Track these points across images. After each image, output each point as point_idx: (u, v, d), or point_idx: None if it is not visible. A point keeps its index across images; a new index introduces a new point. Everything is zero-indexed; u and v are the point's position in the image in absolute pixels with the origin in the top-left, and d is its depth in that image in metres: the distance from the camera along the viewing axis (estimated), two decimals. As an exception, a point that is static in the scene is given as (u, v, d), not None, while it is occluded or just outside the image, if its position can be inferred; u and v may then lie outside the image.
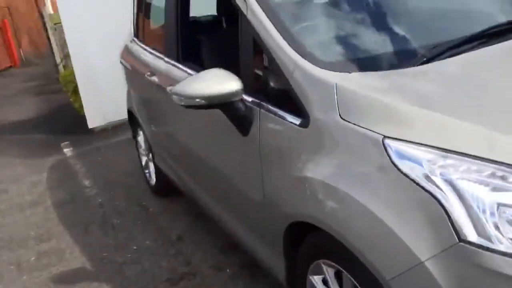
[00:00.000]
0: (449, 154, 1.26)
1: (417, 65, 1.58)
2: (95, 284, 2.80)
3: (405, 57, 1.66)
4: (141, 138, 3.86)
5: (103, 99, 5.68)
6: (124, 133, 5.54)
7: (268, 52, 1.79)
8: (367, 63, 1.69)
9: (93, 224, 3.54)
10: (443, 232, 1.22)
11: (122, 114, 6.03)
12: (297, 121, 1.66)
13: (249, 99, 1.90)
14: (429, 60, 1.59)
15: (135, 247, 3.13)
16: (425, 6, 2.12)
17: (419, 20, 2.00)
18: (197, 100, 1.83)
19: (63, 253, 3.21)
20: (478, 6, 2.07)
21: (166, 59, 2.79)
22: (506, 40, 1.68)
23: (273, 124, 1.78)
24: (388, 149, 1.34)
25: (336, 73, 1.59)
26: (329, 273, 1.67)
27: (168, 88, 1.92)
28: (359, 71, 1.62)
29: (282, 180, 1.74)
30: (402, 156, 1.32)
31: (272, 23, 1.81)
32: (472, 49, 1.64)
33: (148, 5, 3.49)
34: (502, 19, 1.83)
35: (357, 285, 1.51)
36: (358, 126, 1.44)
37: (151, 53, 3.13)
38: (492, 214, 1.18)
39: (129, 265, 2.95)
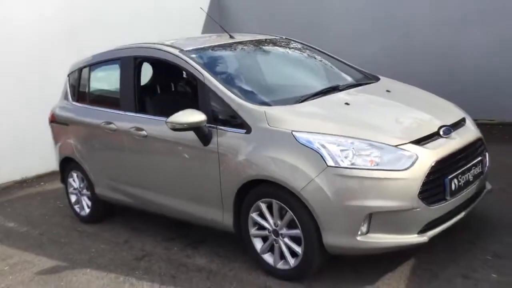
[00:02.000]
0: (320, 134, 3.04)
1: (299, 103, 3.43)
2: (76, 270, 3.85)
3: (292, 99, 3.48)
4: (73, 180, 4.97)
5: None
6: (17, 192, 6.32)
7: (221, 100, 3.44)
8: (276, 102, 3.48)
9: (43, 244, 4.46)
10: (320, 164, 2.94)
11: (13, 175, 6.82)
12: (242, 131, 3.31)
13: (208, 125, 3.48)
14: (303, 101, 3.45)
15: (93, 250, 4.22)
16: (295, 81, 4.16)
17: (299, 85, 3.98)
18: (185, 125, 3.37)
19: (31, 261, 4.11)
20: (314, 80, 4.14)
21: (122, 112, 4.21)
22: (331, 93, 3.65)
23: (227, 136, 3.39)
24: (295, 136, 3.07)
25: (263, 106, 3.33)
26: (263, 207, 3.27)
27: (166, 120, 3.43)
28: (274, 105, 3.38)
29: (235, 164, 3.32)
30: (301, 138, 3.06)
31: (223, 86, 3.49)
32: (319, 96, 3.56)
33: (87, 80, 4.86)
34: (326, 85, 3.85)
35: (282, 204, 3.14)
36: (278, 128, 3.16)
37: (99, 110, 4.50)
38: (339, 155, 2.96)
39: (97, 258, 4.04)
